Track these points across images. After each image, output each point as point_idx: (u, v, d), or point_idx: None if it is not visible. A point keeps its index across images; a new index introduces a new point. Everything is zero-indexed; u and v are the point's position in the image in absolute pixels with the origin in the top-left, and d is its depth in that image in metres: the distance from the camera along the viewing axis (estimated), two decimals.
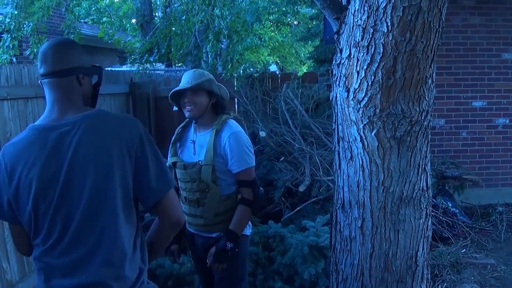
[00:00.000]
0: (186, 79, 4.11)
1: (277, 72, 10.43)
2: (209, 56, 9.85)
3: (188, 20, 8.50)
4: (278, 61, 28.78)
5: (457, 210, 7.66)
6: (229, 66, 8.92)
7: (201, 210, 4.13)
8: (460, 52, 8.64)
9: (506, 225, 7.74)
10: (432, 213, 6.48)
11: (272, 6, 17.77)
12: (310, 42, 19.24)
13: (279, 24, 23.12)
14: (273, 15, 20.03)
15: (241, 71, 9.10)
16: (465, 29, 8.57)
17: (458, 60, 8.64)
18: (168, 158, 4.30)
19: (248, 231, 4.34)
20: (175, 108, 4.35)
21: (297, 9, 17.92)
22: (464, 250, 6.78)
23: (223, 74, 8.79)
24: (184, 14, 8.73)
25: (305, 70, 22.39)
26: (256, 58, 23.11)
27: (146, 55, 8.72)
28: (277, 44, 24.61)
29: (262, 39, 21.61)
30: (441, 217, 7.06)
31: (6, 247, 5.31)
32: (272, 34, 23.34)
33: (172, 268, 5.80)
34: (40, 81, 2.74)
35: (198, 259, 4.44)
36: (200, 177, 4.05)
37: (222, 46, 11.41)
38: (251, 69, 9.89)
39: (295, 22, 24.24)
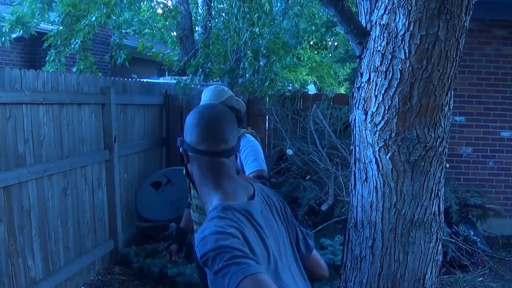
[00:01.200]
0: (208, 96, 4.26)
1: (310, 92, 10.43)
2: (247, 72, 9.94)
3: (234, 42, 8.66)
4: (316, 81, 28.77)
5: (478, 239, 7.62)
6: (265, 84, 9.00)
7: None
8: (491, 82, 8.60)
9: None
10: (452, 240, 6.53)
11: (312, 28, 17.85)
12: (348, 63, 19.24)
13: (317, 46, 23.17)
14: (313, 38, 20.08)
15: (276, 90, 9.15)
16: (497, 59, 8.54)
17: (489, 90, 8.61)
18: None
19: None
20: None
21: (335, 30, 17.94)
22: (481, 278, 6.75)
23: (257, 92, 8.87)
24: (226, 33, 8.87)
25: (343, 91, 22.39)
26: (294, 77, 23.13)
27: (191, 75, 8.88)
28: (315, 64, 24.62)
29: (301, 59, 21.68)
30: (461, 245, 7.05)
31: (32, 245, 5.44)
32: (310, 54, 23.36)
33: (191, 276, 5.91)
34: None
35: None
36: None
37: (260, 64, 11.52)
38: (289, 88, 9.97)
39: (335, 43, 24.24)
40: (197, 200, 4.18)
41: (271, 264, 2.20)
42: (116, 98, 6.94)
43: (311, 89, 25.20)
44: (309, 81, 27.88)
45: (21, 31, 8.09)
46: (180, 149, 2.41)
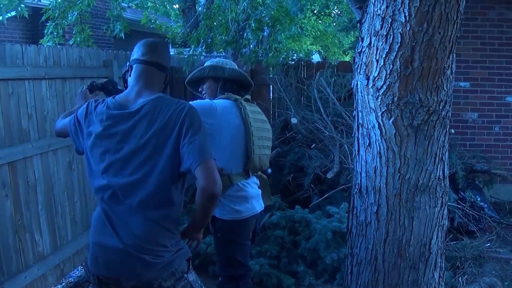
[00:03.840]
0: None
1: (313, 61, 10.35)
2: (251, 43, 9.88)
3: (231, 10, 8.57)
4: (321, 51, 28.63)
5: (485, 205, 7.60)
6: (270, 54, 8.96)
7: None
8: (495, 47, 8.53)
9: None
10: (459, 206, 6.52)
11: None
12: (352, 32, 19.14)
13: (320, 14, 23.00)
14: (316, 6, 19.93)
15: (281, 60, 9.11)
16: (501, 24, 8.46)
17: (493, 55, 8.53)
18: None
19: (227, 216, 4.21)
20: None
21: None
22: (489, 244, 6.75)
23: (263, 62, 8.83)
24: (227, 2, 8.80)
25: (348, 60, 22.29)
26: (298, 47, 23.02)
27: (193, 46, 8.82)
28: (319, 33, 24.48)
29: (304, 29, 21.53)
30: (468, 211, 7.03)
31: (39, 220, 5.45)
32: (314, 23, 23.22)
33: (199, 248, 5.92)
34: (131, 65, 3.22)
35: None
36: None
37: (264, 34, 11.46)
38: (294, 56, 9.92)
39: (338, 12, 24.09)
40: None
41: None
42: (119, 71, 6.84)
43: (316, 59, 25.08)
44: (313, 50, 27.77)
45: (16, 10, 8.03)
46: (124, 71, 3.32)
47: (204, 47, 8.93)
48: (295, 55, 12.75)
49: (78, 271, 6.24)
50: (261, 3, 9.07)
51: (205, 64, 4.48)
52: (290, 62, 9.00)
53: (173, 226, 2.98)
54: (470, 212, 7.08)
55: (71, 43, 8.96)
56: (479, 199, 7.63)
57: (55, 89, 5.75)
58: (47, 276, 5.58)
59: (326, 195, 6.93)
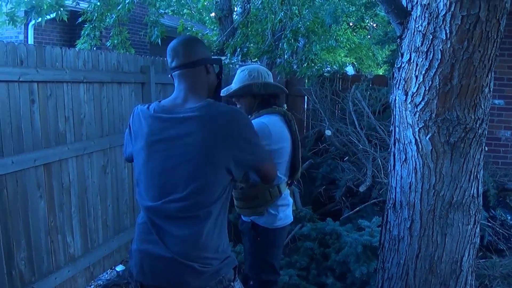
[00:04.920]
0: (234, 81, 4.29)
1: (349, 73, 10.34)
2: (285, 53, 9.89)
3: (268, 20, 8.61)
4: (355, 63, 28.58)
5: None
6: (304, 65, 8.98)
7: (237, 193, 4.20)
8: None
9: None
10: (489, 224, 6.49)
11: (350, 8, 17.69)
12: (387, 46, 19.06)
13: (356, 27, 22.95)
14: (351, 18, 19.88)
15: (315, 71, 9.13)
16: None
17: None
18: None
19: (272, 224, 4.21)
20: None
21: (375, 11, 17.76)
22: None
23: (297, 73, 8.85)
24: (264, 12, 8.84)
25: (383, 74, 22.20)
26: (333, 58, 23.01)
27: (229, 54, 8.88)
28: (353, 45, 24.43)
29: (339, 40, 21.51)
30: (498, 229, 7.00)
31: (71, 222, 5.52)
32: (349, 35, 23.18)
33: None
34: (171, 75, 3.14)
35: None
36: None
37: (299, 44, 11.48)
38: (327, 68, 9.94)
39: (374, 25, 24.02)
40: None
41: None
42: (156, 77, 6.94)
43: (349, 71, 25.07)
44: (347, 62, 27.73)
45: (55, 13, 8.14)
46: None
47: (240, 56, 8.98)
48: (328, 66, 12.75)
49: (107, 274, 6.29)
50: (297, 13, 9.09)
51: (241, 73, 4.29)
52: (325, 74, 9.03)
53: (221, 233, 2.97)
54: (500, 231, 7.04)
55: (108, 45, 9.06)
56: (509, 217, 7.56)
57: (93, 93, 5.81)
58: (76, 278, 5.64)
59: (357, 208, 6.95)
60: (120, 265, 6.51)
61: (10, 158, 4.58)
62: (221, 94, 3.98)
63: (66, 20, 8.29)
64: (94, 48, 8.52)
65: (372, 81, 8.91)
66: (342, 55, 25.41)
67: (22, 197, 4.81)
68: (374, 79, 9.08)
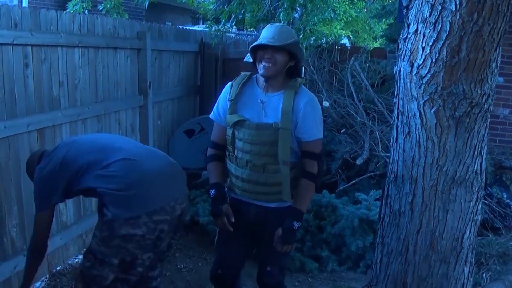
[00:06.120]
0: (271, 33, 3.72)
1: (347, 45, 10.23)
2: (282, 23, 9.75)
3: None
4: (351, 36, 28.44)
5: (511, 202, 7.53)
6: (301, 36, 8.88)
7: (265, 176, 3.78)
8: None
9: None
10: (485, 201, 6.45)
11: None
12: (384, 19, 18.92)
13: None
14: None
15: (312, 41, 9.03)
16: None
17: None
18: (227, 116, 3.90)
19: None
20: (248, 59, 3.93)
21: None
22: None
23: None
24: None
25: (382, 47, 22.10)
26: (329, 30, 22.86)
27: (223, 21, 8.75)
28: (350, 19, 24.28)
29: (337, 12, 21.34)
30: (494, 207, 6.94)
31: None
32: (346, 8, 23.00)
33: None
34: None
35: (243, 229, 4.02)
36: (275, 140, 3.71)
37: (296, 15, 11.36)
38: (323, 40, 9.81)
39: None
40: (249, 155, 3.82)
41: None
42: (152, 44, 6.87)
43: (345, 43, 24.94)
44: (343, 35, 27.58)
45: None
46: None
47: (234, 22, 8.89)
48: (324, 38, 12.62)
49: None
50: None
51: (283, 27, 3.86)
52: (324, 44, 8.91)
53: None
54: (497, 209, 6.99)
55: (100, 9, 8.91)
56: (505, 196, 7.52)
57: (88, 58, 5.72)
58: (69, 246, 5.61)
59: (354, 181, 6.89)
60: None
61: (3, 123, 4.49)
62: (266, 43, 3.67)
63: None
64: (86, 12, 8.37)
65: (371, 53, 8.81)
66: (338, 27, 25.25)
67: (15, 162, 4.74)
68: (373, 52, 8.98)
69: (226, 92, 4.02)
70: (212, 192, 3.93)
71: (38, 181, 3.77)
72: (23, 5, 12.63)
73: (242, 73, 4.04)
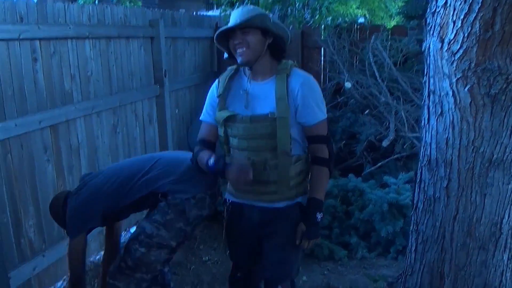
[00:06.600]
0: (234, 17, 3.38)
1: (366, 24, 9.99)
2: (297, 4, 9.58)
3: None
4: (367, 15, 28.22)
5: None
6: (317, 16, 8.72)
7: (267, 173, 3.45)
8: None
9: None
10: None
11: None
12: None
13: None
14: None
15: (329, 21, 8.83)
16: None
17: None
18: (216, 113, 3.58)
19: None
20: (226, 56, 3.59)
21: None
22: None
23: (311, 22, 8.57)
24: None
25: (402, 25, 21.90)
26: (345, 10, 22.65)
27: (237, 4, 8.59)
28: None
29: None
30: None
31: None
32: None
33: None
34: None
35: (247, 234, 3.73)
36: (272, 132, 3.38)
37: None
38: (340, 19, 9.61)
39: None
40: (247, 151, 3.48)
41: None
42: (165, 31, 6.74)
43: (362, 23, 24.77)
44: (359, 14, 27.35)
45: None
46: None
47: (249, 4, 8.70)
48: (340, 18, 12.46)
49: (122, 237, 6.13)
50: None
51: (244, 8, 3.46)
52: (342, 24, 8.68)
53: None
54: None
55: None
56: None
57: (99, 49, 5.60)
58: (89, 243, 5.42)
59: (380, 163, 6.76)
60: (135, 226, 6.34)
61: (13, 121, 4.39)
62: (222, 29, 3.40)
63: None
64: (97, 1, 8.23)
65: (391, 31, 8.58)
66: (354, 6, 25.03)
67: (28, 161, 4.65)
68: (394, 30, 8.76)
69: (213, 89, 3.70)
70: (211, 160, 3.44)
71: (73, 209, 3.88)
72: None
73: (229, 68, 3.67)
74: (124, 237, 6.09)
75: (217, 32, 3.45)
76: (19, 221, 4.55)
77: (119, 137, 6.02)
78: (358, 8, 25.03)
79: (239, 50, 3.38)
